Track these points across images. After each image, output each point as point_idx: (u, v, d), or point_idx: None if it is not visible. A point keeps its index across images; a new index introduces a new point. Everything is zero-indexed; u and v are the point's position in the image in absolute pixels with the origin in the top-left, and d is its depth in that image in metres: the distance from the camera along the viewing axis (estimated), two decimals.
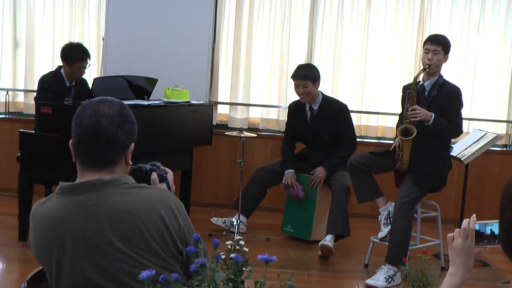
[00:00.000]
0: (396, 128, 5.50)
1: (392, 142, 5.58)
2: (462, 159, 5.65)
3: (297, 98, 6.18)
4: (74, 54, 5.90)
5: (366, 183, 5.39)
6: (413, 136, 5.10)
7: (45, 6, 7.37)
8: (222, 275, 1.79)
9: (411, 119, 5.13)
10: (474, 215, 2.18)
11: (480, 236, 2.16)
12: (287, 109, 6.40)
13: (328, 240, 5.68)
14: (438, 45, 5.16)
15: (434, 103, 5.17)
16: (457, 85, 5.50)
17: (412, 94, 5.15)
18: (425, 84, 5.24)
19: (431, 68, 5.14)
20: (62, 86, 5.98)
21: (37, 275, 2.37)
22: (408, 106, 5.15)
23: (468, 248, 2.14)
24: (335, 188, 5.91)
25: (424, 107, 5.13)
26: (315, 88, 6.00)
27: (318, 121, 6.08)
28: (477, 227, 2.15)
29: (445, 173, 5.34)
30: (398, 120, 5.53)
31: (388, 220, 5.32)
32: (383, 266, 5.13)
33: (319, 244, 5.69)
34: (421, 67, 5.27)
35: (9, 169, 6.97)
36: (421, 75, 5.25)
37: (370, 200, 5.51)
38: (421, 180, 5.19)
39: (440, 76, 5.26)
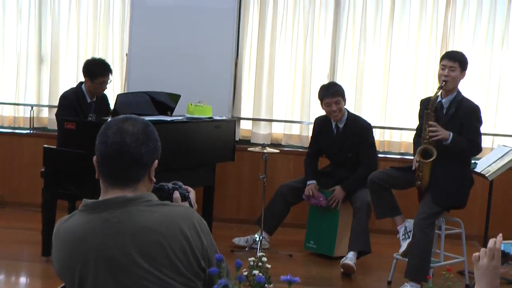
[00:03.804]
0: (414, 143, 5.48)
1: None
2: (486, 175, 5.60)
3: (320, 113, 6.17)
4: (97, 69, 5.93)
5: (385, 200, 5.37)
6: (433, 158, 5.06)
7: (70, 22, 7.44)
8: None
9: (430, 138, 5.09)
10: (500, 235, 2.16)
11: (505, 257, 2.14)
12: (313, 123, 6.37)
13: (349, 258, 5.64)
14: (454, 62, 5.12)
15: (452, 121, 5.13)
16: (481, 100, 5.48)
17: (430, 114, 5.10)
18: (443, 101, 5.20)
19: (448, 84, 5.10)
20: (83, 103, 6.01)
21: None
22: (426, 126, 5.11)
23: (494, 268, 2.11)
24: (356, 205, 5.88)
25: (443, 124, 5.09)
26: (345, 104, 5.99)
27: (343, 138, 6.05)
28: (502, 247, 2.13)
29: (465, 192, 5.28)
30: (415, 135, 5.51)
31: (406, 235, 5.29)
32: (406, 284, 5.08)
33: (340, 262, 5.66)
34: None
35: (33, 184, 7.02)
36: (439, 92, 5.19)
37: (388, 217, 5.48)
38: (439, 198, 5.14)
39: (458, 93, 5.22)
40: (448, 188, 5.14)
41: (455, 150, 5.10)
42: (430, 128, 5.07)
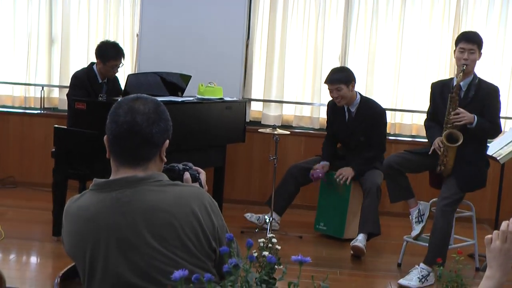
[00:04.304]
0: (426, 127, 5.43)
1: (426, 140, 5.52)
2: (498, 158, 5.57)
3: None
4: (109, 53, 5.93)
5: (400, 184, 5.34)
6: (459, 142, 5.00)
7: (80, 3, 7.43)
8: (255, 276, 1.78)
9: (454, 123, 5.04)
10: None
11: None
12: (327, 106, 6.35)
13: (359, 240, 5.64)
14: (473, 44, 5.06)
15: (472, 103, 5.08)
16: (493, 82, 5.42)
17: (454, 98, 5.05)
18: (461, 84, 5.15)
19: (467, 67, 5.06)
20: (94, 83, 6.02)
21: (70, 270, 2.38)
22: (450, 110, 5.06)
23: (507, 251, 2.09)
24: (366, 186, 5.87)
25: (462, 107, 5.04)
26: (349, 90, 5.93)
27: (356, 123, 6.03)
28: None
29: (486, 174, 5.27)
30: (426, 119, 5.46)
31: (420, 218, 5.28)
32: (416, 266, 5.07)
33: (350, 244, 5.66)
34: (456, 66, 5.19)
35: (44, 164, 7.05)
36: (459, 76, 5.13)
37: (403, 200, 5.46)
38: (464, 183, 5.09)
39: (475, 75, 5.17)
40: (472, 172, 5.11)
41: (479, 133, 5.07)
42: (453, 116, 5.01)
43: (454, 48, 5.17)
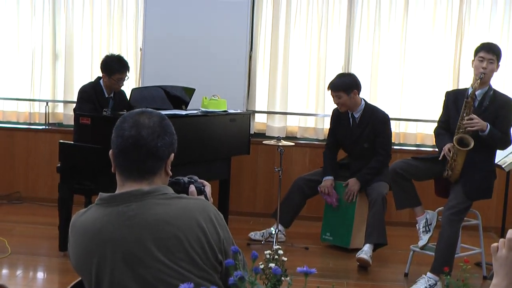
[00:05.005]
0: (436, 134, 5.43)
1: (431, 149, 5.51)
2: (503, 166, 5.56)
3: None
4: (114, 66, 5.95)
5: (406, 190, 5.32)
6: (470, 147, 5.00)
7: (84, 18, 7.45)
8: None
9: (467, 128, 5.05)
10: None
11: None
12: (331, 115, 6.36)
13: (365, 251, 5.62)
14: (493, 55, 5.07)
15: (486, 113, 5.08)
16: (496, 87, 5.43)
17: (469, 103, 5.05)
18: (476, 93, 5.15)
19: (485, 77, 5.06)
20: (101, 97, 6.04)
21: (77, 285, 2.38)
22: (464, 115, 5.06)
23: None
24: (372, 197, 5.87)
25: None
26: (350, 98, 5.95)
27: (359, 129, 6.05)
28: None
29: (492, 184, 5.26)
30: (438, 127, 5.45)
31: (427, 227, 5.26)
32: (423, 275, 5.06)
33: (356, 256, 5.64)
34: (473, 75, 5.17)
35: (50, 179, 7.06)
36: (475, 84, 5.13)
37: (409, 207, 5.44)
38: (472, 192, 5.09)
39: (490, 86, 5.18)
40: (480, 181, 5.11)
41: (490, 142, 5.07)
42: (466, 122, 5.01)
43: (473, 58, 5.17)
